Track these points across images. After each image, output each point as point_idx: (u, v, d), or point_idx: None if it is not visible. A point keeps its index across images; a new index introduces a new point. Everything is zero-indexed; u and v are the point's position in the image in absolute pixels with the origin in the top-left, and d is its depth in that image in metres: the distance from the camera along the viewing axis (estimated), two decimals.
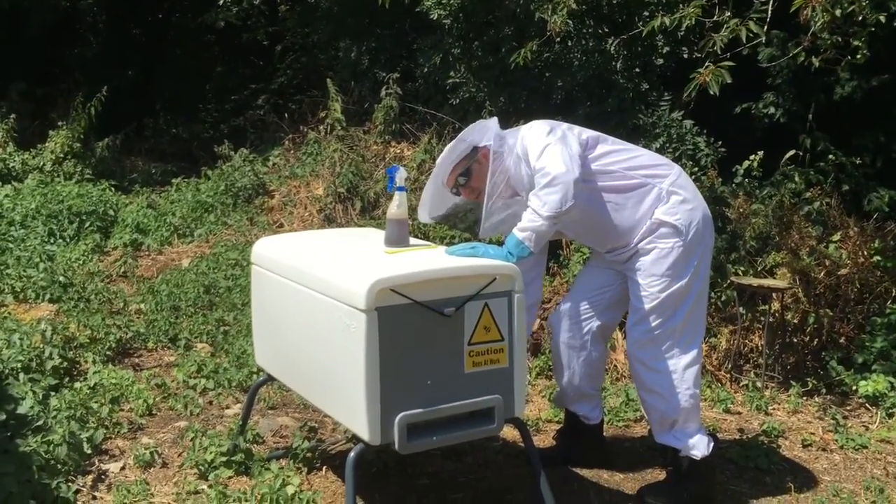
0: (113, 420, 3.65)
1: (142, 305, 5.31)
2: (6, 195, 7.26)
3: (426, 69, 7.04)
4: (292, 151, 8.26)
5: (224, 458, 3.21)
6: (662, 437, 3.19)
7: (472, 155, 3.04)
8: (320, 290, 2.71)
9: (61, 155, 8.59)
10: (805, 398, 4.38)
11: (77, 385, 3.95)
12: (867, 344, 4.53)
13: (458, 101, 6.79)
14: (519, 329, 2.75)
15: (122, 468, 3.30)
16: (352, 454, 2.61)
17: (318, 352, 2.77)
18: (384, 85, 7.39)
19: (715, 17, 4.28)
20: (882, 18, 4.67)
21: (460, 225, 3.50)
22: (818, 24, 4.66)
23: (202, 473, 3.20)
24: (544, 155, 2.88)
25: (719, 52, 4.07)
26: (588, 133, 3.09)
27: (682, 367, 3.09)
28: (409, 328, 2.57)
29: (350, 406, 2.58)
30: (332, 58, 9.42)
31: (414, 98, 7.64)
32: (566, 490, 3.21)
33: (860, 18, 4.91)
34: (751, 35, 4.14)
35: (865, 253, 4.87)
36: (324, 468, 3.30)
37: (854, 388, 4.40)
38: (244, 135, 9.88)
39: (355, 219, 6.43)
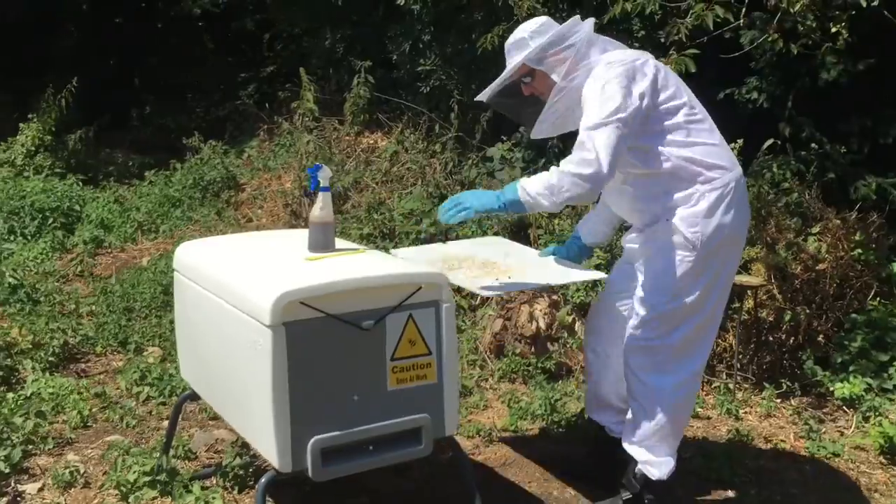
0: (39, 435, 3.45)
1: (94, 307, 5.10)
2: None
3: (396, 57, 6.81)
4: (267, 143, 8.04)
5: (148, 478, 3.01)
6: (628, 444, 2.98)
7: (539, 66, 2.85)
8: (231, 302, 2.51)
9: (32, 148, 8.40)
10: (779, 400, 4.16)
11: (10, 396, 3.77)
12: (845, 343, 4.31)
13: (428, 88, 6.56)
14: (448, 341, 2.55)
15: (41, 489, 3.09)
16: (262, 480, 2.43)
17: (230, 369, 2.57)
18: (356, 74, 7.16)
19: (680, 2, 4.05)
20: (863, 1, 4.44)
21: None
22: (797, 6, 4.43)
23: (124, 495, 3.00)
24: (597, 133, 2.62)
25: (684, 40, 3.84)
26: (673, 100, 2.75)
27: (672, 385, 2.86)
28: (322, 344, 2.37)
29: (259, 429, 2.39)
30: (314, 46, 9.17)
31: (392, 87, 7.40)
32: None
33: (840, 1, 4.68)
34: (718, 20, 3.91)
35: (846, 246, 4.63)
36: (257, 486, 3.10)
37: (831, 389, 4.19)
38: (226, 126, 9.66)
39: None
